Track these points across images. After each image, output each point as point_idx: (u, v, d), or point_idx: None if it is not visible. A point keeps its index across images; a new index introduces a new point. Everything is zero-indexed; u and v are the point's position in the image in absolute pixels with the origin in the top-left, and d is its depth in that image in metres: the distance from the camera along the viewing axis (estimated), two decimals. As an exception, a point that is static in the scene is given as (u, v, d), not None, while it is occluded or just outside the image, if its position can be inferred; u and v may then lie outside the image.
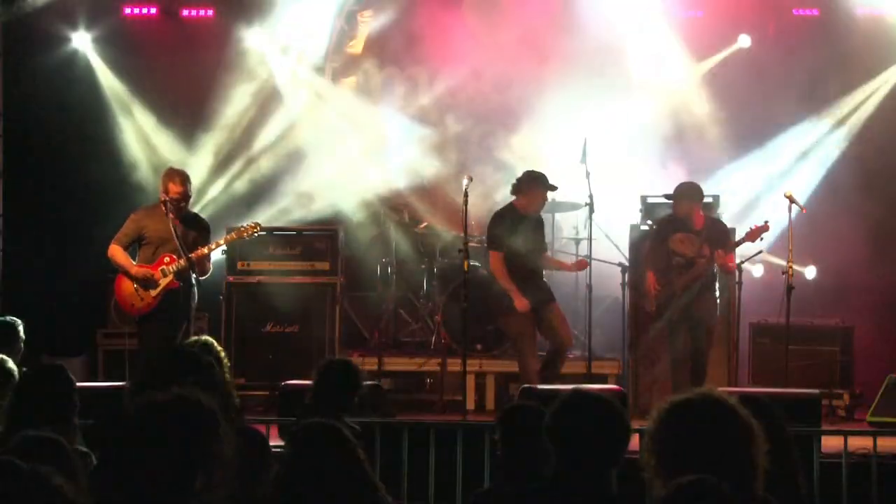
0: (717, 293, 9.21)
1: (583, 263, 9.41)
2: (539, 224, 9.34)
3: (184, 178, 8.61)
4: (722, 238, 9.17)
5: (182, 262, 8.45)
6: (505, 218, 9.12)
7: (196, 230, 8.70)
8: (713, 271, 9.10)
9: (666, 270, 9.18)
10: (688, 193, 9.12)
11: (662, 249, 9.23)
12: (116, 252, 8.62)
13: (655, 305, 9.19)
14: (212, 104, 11.39)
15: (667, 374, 9.50)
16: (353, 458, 3.56)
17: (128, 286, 8.61)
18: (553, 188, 9.13)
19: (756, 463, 2.96)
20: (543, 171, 9.21)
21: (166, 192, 8.52)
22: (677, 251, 9.15)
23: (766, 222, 9.00)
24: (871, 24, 11.14)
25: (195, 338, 6.26)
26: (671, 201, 9.28)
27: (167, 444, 2.92)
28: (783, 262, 9.31)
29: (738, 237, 9.16)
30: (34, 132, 11.39)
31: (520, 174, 9.23)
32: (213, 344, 6.15)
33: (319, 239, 10.47)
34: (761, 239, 9.04)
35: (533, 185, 9.05)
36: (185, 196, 8.59)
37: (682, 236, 9.14)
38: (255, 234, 9.10)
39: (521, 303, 8.93)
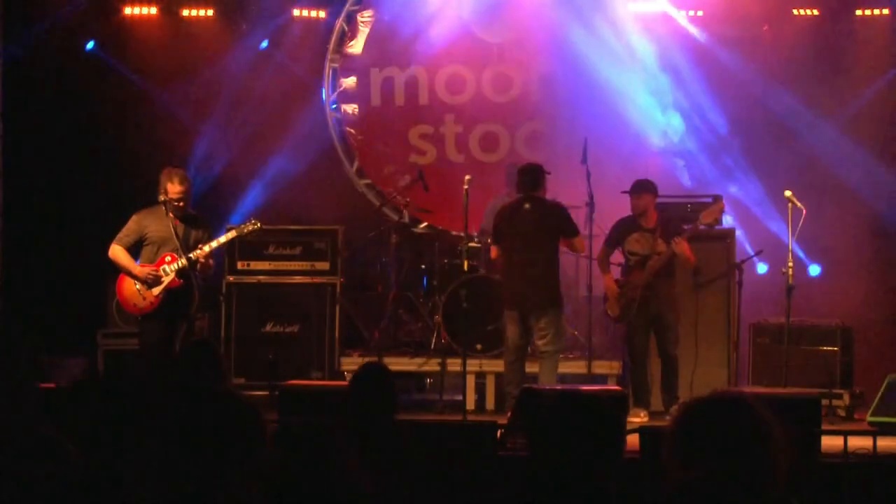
0: (674, 287, 9.30)
1: None
2: None
3: (182, 178, 8.58)
4: (677, 231, 9.24)
5: (183, 260, 8.46)
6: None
7: (198, 230, 8.70)
8: (669, 265, 9.18)
9: (626, 271, 9.30)
10: (640, 190, 9.21)
11: (612, 252, 9.37)
12: (118, 252, 8.61)
13: (619, 308, 9.25)
14: (211, 104, 11.41)
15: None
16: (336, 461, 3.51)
17: (129, 286, 8.61)
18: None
19: (774, 462, 2.94)
20: (546, 171, 9.24)
21: (165, 192, 8.50)
22: (632, 251, 9.24)
23: (720, 200, 9.17)
24: (870, 24, 11.15)
25: (194, 339, 6.27)
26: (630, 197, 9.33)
27: (215, 436, 2.93)
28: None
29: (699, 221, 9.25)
30: (34, 132, 11.39)
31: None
32: (212, 345, 6.17)
33: (319, 239, 10.47)
34: (719, 222, 9.30)
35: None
36: (185, 196, 8.58)
37: (636, 236, 9.24)
38: (255, 233, 9.10)
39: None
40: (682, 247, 9.06)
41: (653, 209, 9.23)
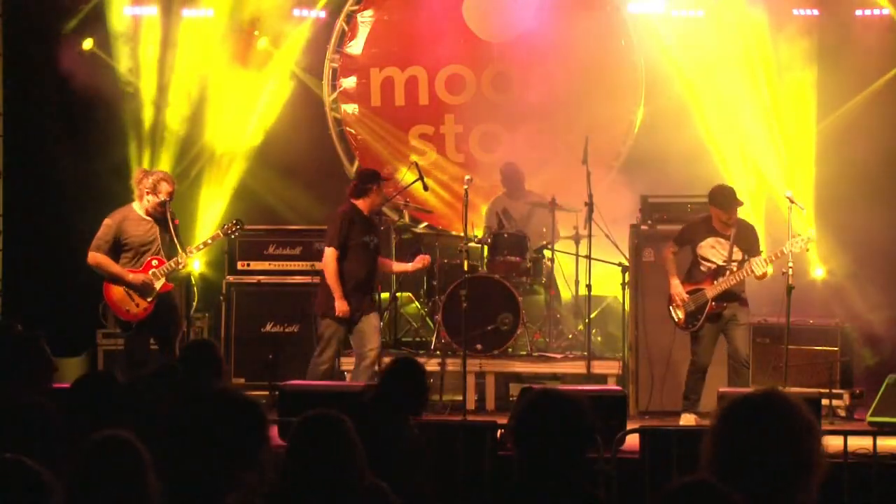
0: (744, 288, 8.91)
1: (424, 260, 9.47)
2: (375, 226, 9.33)
3: (171, 179, 8.74)
4: (752, 241, 8.89)
5: (172, 262, 8.52)
6: (346, 217, 9.03)
7: (174, 228, 8.74)
8: (743, 277, 8.80)
9: (693, 276, 8.92)
10: (721, 199, 8.79)
11: (686, 254, 8.97)
12: (103, 260, 8.56)
13: (685, 314, 8.87)
14: (211, 104, 11.42)
15: (667, 375, 9.52)
16: (349, 449, 3.56)
17: (118, 292, 8.59)
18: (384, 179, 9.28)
19: (815, 462, 2.93)
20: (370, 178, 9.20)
21: (155, 192, 8.54)
22: (707, 258, 8.85)
23: (813, 231, 8.82)
24: (870, 24, 11.16)
25: (195, 339, 6.29)
26: (709, 203, 8.89)
27: (221, 436, 2.95)
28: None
29: (785, 247, 8.79)
30: (34, 132, 11.39)
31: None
32: (212, 345, 6.19)
33: (319, 239, 10.44)
34: (807, 250, 8.93)
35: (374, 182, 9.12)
36: (172, 197, 8.64)
37: (711, 241, 8.84)
38: (238, 231, 9.13)
39: (342, 307, 8.87)
40: (764, 270, 8.67)
41: (731, 216, 8.78)
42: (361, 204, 9.08)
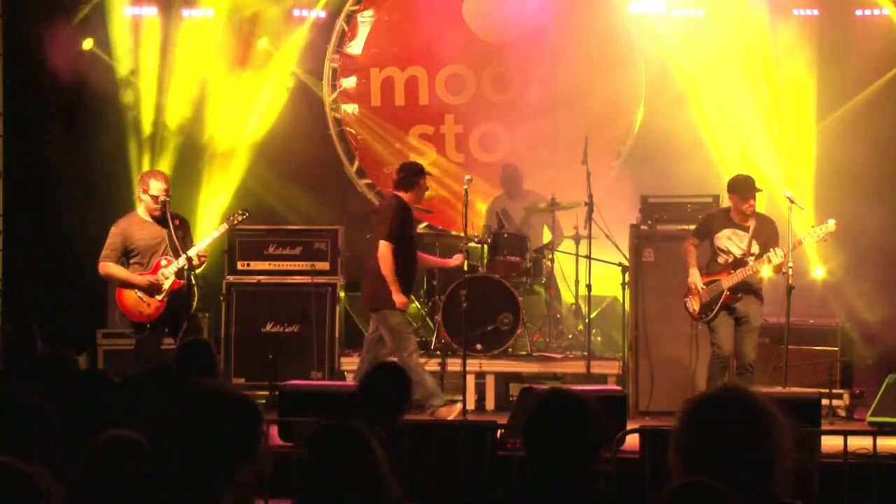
0: (761, 284, 8.85)
1: (459, 259, 9.54)
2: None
3: (165, 176, 8.76)
4: (771, 236, 8.80)
5: (181, 261, 8.54)
6: (399, 209, 8.98)
7: (181, 227, 8.76)
8: (760, 273, 8.74)
9: (711, 267, 8.87)
10: (740, 187, 8.72)
11: (706, 245, 8.91)
12: (112, 268, 8.65)
13: (700, 304, 8.82)
14: (211, 104, 11.42)
15: (668, 375, 9.51)
16: (369, 460, 3.52)
17: (130, 296, 8.63)
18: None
19: (780, 453, 2.91)
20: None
21: (148, 191, 8.57)
22: (724, 249, 8.79)
23: (833, 222, 8.68)
24: (870, 24, 11.16)
25: (191, 338, 6.30)
26: (728, 194, 8.86)
27: (216, 433, 2.95)
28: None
29: (802, 237, 8.78)
30: (34, 132, 11.39)
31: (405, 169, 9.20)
32: (208, 344, 6.21)
33: (319, 239, 10.48)
34: (825, 240, 8.86)
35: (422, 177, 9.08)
36: (168, 193, 8.66)
37: (730, 233, 8.78)
38: (244, 219, 9.17)
39: (401, 299, 8.84)
40: (781, 260, 8.58)
41: (749, 207, 8.71)
42: (408, 197, 9.05)
